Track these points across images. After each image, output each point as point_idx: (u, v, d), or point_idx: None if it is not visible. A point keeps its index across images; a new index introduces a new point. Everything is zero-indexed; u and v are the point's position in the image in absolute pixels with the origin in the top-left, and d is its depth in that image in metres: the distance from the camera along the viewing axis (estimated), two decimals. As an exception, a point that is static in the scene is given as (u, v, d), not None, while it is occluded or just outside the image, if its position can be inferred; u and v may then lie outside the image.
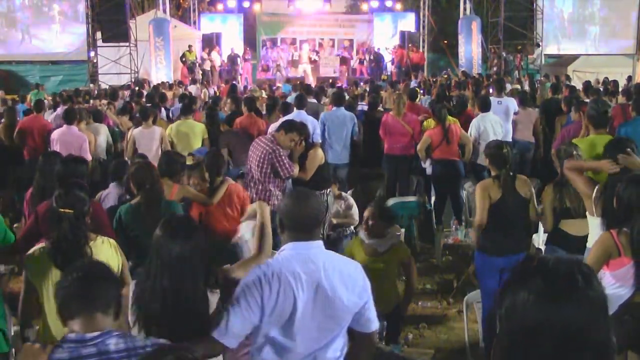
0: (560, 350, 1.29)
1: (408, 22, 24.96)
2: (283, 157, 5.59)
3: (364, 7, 26.20)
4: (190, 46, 21.39)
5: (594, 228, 3.90)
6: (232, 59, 22.75)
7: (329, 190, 5.89)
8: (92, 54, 20.71)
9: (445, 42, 25.27)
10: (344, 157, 8.30)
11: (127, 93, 14.08)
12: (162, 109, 10.54)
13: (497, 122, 8.01)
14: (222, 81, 21.06)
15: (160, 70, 19.69)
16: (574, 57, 20.67)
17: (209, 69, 21.79)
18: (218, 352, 2.58)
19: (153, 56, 19.75)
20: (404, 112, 8.28)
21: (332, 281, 2.54)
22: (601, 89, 11.90)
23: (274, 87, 17.76)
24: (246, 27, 25.66)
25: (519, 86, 14.79)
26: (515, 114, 8.83)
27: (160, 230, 2.74)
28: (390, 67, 23.66)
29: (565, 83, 14.11)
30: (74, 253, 3.20)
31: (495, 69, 21.22)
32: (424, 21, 24.41)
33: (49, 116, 10.33)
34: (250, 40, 25.67)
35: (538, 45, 21.57)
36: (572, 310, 1.28)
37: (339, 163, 8.13)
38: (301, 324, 2.51)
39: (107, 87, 17.19)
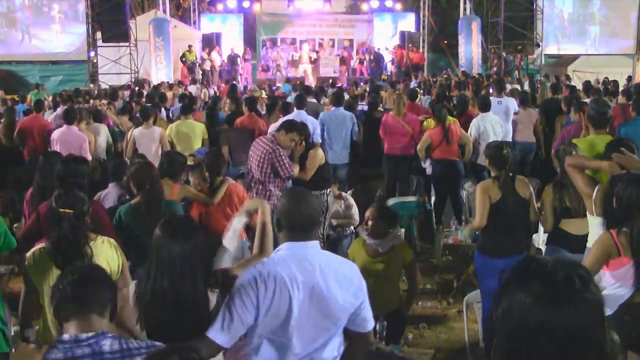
0: (559, 352, 1.29)
1: (408, 22, 24.96)
2: (283, 157, 5.59)
3: (364, 7, 26.19)
4: (190, 46, 21.38)
5: (593, 228, 3.90)
6: (232, 59, 22.75)
7: (329, 190, 5.90)
8: (92, 54, 20.71)
9: (445, 42, 25.28)
10: (343, 157, 8.31)
11: (127, 93, 14.07)
12: (162, 109, 10.54)
13: (497, 122, 8.01)
14: (222, 81, 21.06)
15: (160, 70, 19.68)
16: (574, 57, 20.67)
17: (209, 69, 21.79)
18: (214, 353, 2.58)
19: (153, 56, 19.76)
20: (404, 112, 8.27)
21: (327, 281, 2.54)
22: (601, 89, 11.90)
23: (274, 87, 17.76)
24: (246, 27, 25.65)
25: (518, 86, 14.79)
26: (515, 114, 8.83)
27: (160, 230, 2.74)
28: (390, 67, 23.66)
29: (565, 83, 14.11)
30: (74, 253, 3.20)
31: (495, 69, 21.22)
32: (424, 21, 24.40)
33: (49, 116, 10.33)
34: (250, 40, 25.67)
35: (538, 45, 21.57)
36: (570, 313, 1.29)
37: (339, 163, 8.12)
38: (297, 324, 2.52)
39: (107, 87, 17.19)
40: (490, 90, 10.21)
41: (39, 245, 3.41)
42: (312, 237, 2.62)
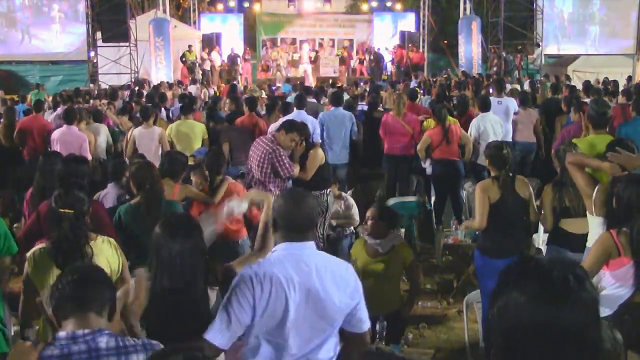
0: (555, 351, 1.29)
1: (408, 22, 24.97)
2: (283, 157, 5.59)
3: (364, 7, 26.23)
4: (190, 46, 21.39)
5: (593, 227, 3.91)
6: (232, 59, 22.76)
7: (329, 190, 5.89)
8: (92, 54, 20.72)
9: (445, 42, 25.29)
10: (343, 157, 8.30)
11: (127, 93, 14.07)
12: (162, 109, 10.54)
13: (497, 122, 8.00)
14: (222, 81, 21.07)
15: (160, 70, 19.69)
16: (574, 57, 20.67)
17: (209, 69, 21.79)
18: (214, 354, 2.58)
19: (153, 56, 19.76)
20: (404, 112, 8.28)
21: (324, 282, 2.54)
22: (601, 89, 11.90)
23: (274, 87, 17.76)
24: (246, 27, 25.68)
25: (518, 86, 14.79)
26: (515, 114, 8.83)
27: (160, 228, 2.73)
28: (390, 67, 23.66)
29: (565, 83, 14.11)
30: (74, 253, 3.20)
31: (495, 69, 21.22)
32: (424, 21, 24.41)
33: (49, 116, 10.33)
34: (250, 40, 25.70)
35: (538, 45, 21.57)
36: (565, 312, 1.29)
37: (339, 163, 8.12)
38: (293, 325, 2.52)
39: (107, 87, 17.19)
40: (490, 90, 10.20)
41: (39, 245, 3.41)
42: (308, 237, 2.62)
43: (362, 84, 17.27)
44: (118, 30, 19.38)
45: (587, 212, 4.01)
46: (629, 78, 17.71)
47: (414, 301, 4.80)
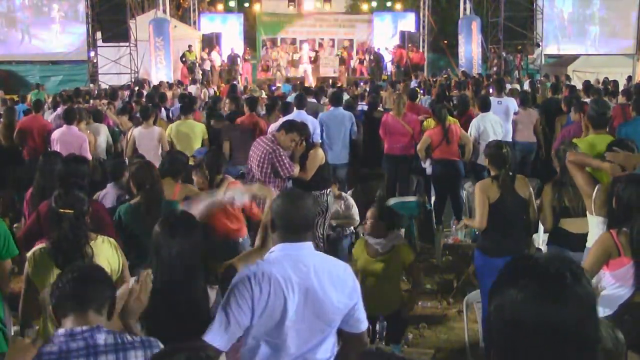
0: (552, 348, 1.29)
1: (408, 22, 24.97)
2: (283, 157, 5.59)
3: (364, 7, 26.22)
4: (190, 46, 21.40)
5: (593, 227, 3.91)
6: (232, 59, 22.75)
7: (329, 190, 5.89)
8: (92, 54, 20.73)
9: (445, 42, 25.29)
10: (343, 157, 8.30)
11: (126, 93, 14.07)
12: (162, 109, 10.54)
13: (497, 122, 8.01)
14: (222, 81, 21.07)
15: (160, 70, 19.69)
16: (574, 57, 20.68)
17: (209, 69, 21.79)
18: (214, 356, 2.57)
19: (153, 56, 19.76)
20: (404, 112, 8.28)
21: (322, 283, 2.54)
22: (601, 89, 11.90)
23: (274, 87, 17.76)
24: (246, 27, 25.69)
25: (518, 86, 14.79)
26: (515, 114, 8.83)
27: (160, 227, 2.73)
28: (390, 67, 23.66)
29: (565, 83, 14.11)
30: (74, 253, 3.21)
31: (495, 69, 21.23)
32: (424, 21, 24.41)
33: (49, 116, 10.33)
34: (250, 40, 25.70)
35: (538, 45, 21.58)
36: (561, 308, 1.29)
37: (338, 163, 8.12)
38: (292, 325, 2.52)
39: (107, 87, 17.20)
40: (490, 90, 10.21)
41: (40, 245, 3.41)
42: (306, 238, 2.61)
43: (362, 84, 17.27)
44: (118, 30, 19.38)
45: (587, 212, 4.01)
46: (629, 78, 17.72)
47: (415, 301, 4.80)
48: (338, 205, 6.11)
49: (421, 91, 13.22)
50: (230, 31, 24.41)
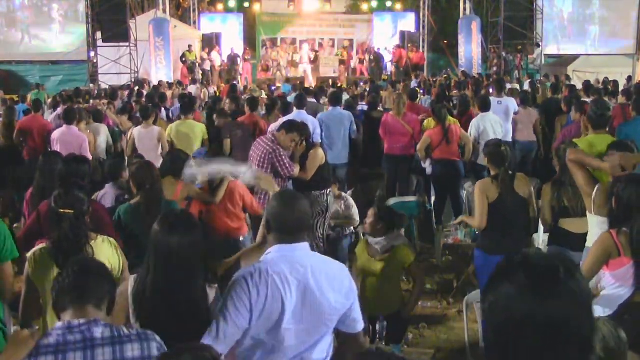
0: (546, 344, 1.29)
1: (408, 22, 24.97)
2: (283, 157, 5.59)
3: (364, 7, 26.21)
4: (190, 46, 21.39)
5: (593, 227, 3.91)
6: (232, 59, 22.75)
7: (329, 190, 5.89)
8: (92, 54, 20.73)
9: (445, 42, 25.29)
10: (342, 157, 8.30)
11: (126, 93, 14.07)
12: (162, 109, 10.54)
13: (497, 122, 8.01)
14: (222, 81, 21.06)
15: (160, 70, 19.69)
16: (574, 57, 20.69)
17: (209, 69, 21.79)
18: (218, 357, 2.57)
19: (153, 56, 19.77)
20: (404, 112, 8.28)
21: (319, 283, 2.55)
22: (601, 89, 11.89)
23: (274, 87, 17.76)
24: (246, 27, 25.67)
25: (517, 86, 14.79)
26: (515, 113, 8.83)
27: (159, 225, 2.72)
28: (390, 67, 23.66)
29: (565, 83, 14.11)
30: (75, 253, 3.20)
31: (495, 69, 21.23)
32: (424, 21, 24.41)
33: (49, 116, 10.33)
34: (250, 40, 25.69)
35: (538, 45, 21.58)
36: (554, 303, 1.28)
37: (338, 163, 8.12)
38: (289, 326, 2.52)
39: (107, 87, 17.20)
40: (490, 90, 10.20)
41: (40, 245, 3.41)
42: (301, 239, 2.61)
43: (362, 84, 17.27)
44: (118, 30, 19.39)
45: (587, 211, 4.01)
46: (629, 78, 17.72)
47: (416, 301, 4.80)
48: (338, 205, 6.11)
49: (421, 91, 13.22)
50: (230, 31, 24.41)
